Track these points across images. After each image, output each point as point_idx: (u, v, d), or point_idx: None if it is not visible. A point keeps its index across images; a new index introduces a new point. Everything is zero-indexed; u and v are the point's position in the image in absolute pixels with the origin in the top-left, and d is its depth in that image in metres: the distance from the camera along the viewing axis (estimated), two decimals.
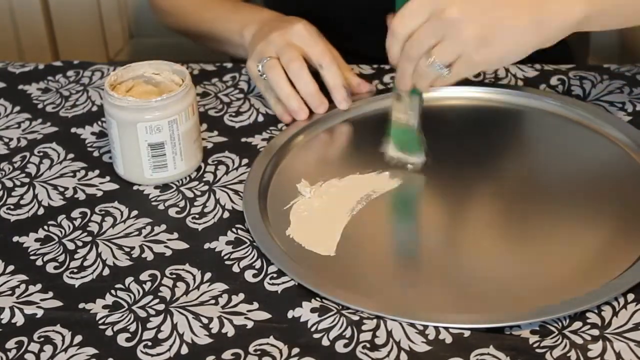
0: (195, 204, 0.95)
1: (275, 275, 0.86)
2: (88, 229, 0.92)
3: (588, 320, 0.79)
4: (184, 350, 0.79)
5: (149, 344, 0.80)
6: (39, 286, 0.86)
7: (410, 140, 0.96)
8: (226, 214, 0.93)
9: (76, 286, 0.86)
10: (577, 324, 0.79)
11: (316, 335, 0.79)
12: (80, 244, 0.90)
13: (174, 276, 0.86)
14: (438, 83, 0.90)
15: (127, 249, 0.90)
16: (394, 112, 0.96)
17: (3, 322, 0.83)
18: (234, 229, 0.91)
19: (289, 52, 1.03)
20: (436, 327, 0.79)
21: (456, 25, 0.85)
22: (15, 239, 0.92)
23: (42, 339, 0.81)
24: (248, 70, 1.07)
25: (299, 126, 1.03)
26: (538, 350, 0.77)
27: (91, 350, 0.80)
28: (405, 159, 0.97)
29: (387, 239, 0.90)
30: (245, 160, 1.00)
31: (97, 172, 0.99)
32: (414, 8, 0.87)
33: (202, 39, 1.21)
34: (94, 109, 1.09)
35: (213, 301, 0.83)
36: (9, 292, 0.86)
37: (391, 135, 0.97)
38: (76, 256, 0.89)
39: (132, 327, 0.81)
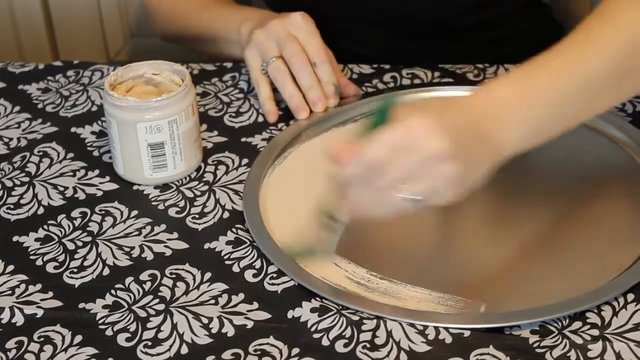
0: (195, 204, 0.95)
1: (275, 275, 0.86)
2: (88, 228, 0.92)
3: (588, 320, 0.79)
4: (184, 350, 0.79)
5: (149, 343, 0.80)
6: (39, 286, 0.86)
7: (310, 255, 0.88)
8: (226, 214, 0.93)
9: (76, 286, 0.86)
10: (577, 324, 0.79)
11: (316, 335, 0.79)
12: (80, 243, 0.90)
13: (174, 276, 0.86)
14: (392, 215, 0.83)
15: (127, 249, 0.89)
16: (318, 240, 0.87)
17: (3, 322, 0.83)
18: (233, 229, 0.91)
19: (292, 45, 1.03)
20: (436, 327, 0.79)
21: (442, 161, 0.78)
22: (15, 238, 0.92)
23: (42, 339, 0.81)
24: (246, 59, 1.07)
25: (299, 126, 1.03)
26: (538, 350, 0.77)
27: (91, 350, 0.80)
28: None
29: (387, 238, 0.90)
30: (245, 160, 1.00)
31: (97, 171, 0.99)
32: (389, 137, 0.79)
33: (199, 41, 1.20)
34: (94, 108, 1.09)
35: (213, 301, 0.83)
36: (9, 292, 0.86)
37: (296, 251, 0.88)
38: (76, 256, 0.89)
39: (132, 327, 0.81)
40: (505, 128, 0.82)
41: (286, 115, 1.06)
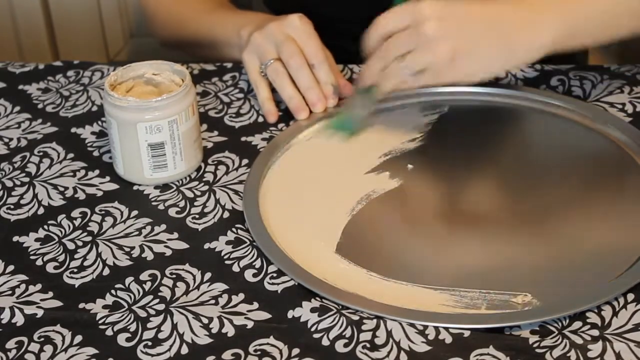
0: (195, 204, 0.95)
1: (275, 275, 0.86)
2: (88, 228, 0.92)
3: (588, 320, 0.79)
4: (184, 350, 0.79)
5: (149, 344, 0.80)
6: (39, 286, 0.86)
7: (347, 123, 1.02)
8: (226, 214, 0.93)
9: (76, 286, 0.86)
10: (577, 324, 0.79)
11: (316, 335, 0.79)
12: (80, 243, 0.90)
13: (174, 276, 0.86)
14: (401, 86, 0.97)
15: (127, 249, 0.90)
16: (345, 106, 1.03)
17: (3, 322, 0.83)
18: (233, 229, 0.91)
19: (289, 47, 1.04)
20: (436, 327, 0.79)
21: (430, 40, 0.92)
22: (15, 238, 0.92)
23: (42, 339, 0.81)
24: (245, 61, 1.07)
25: (299, 126, 1.03)
26: (538, 350, 0.77)
27: (91, 351, 0.80)
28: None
29: (387, 238, 0.90)
30: (245, 161, 1.00)
31: (97, 172, 0.99)
32: (398, 12, 0.95)
33: (199, 46, 1.20)
34: (94, 109, 1.09)
35: (213, 301, 0.83)
36: (9, 292, 0.86)
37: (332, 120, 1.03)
38: (76, 256, 0.89)
39: (132, 327, 0.81)
40: (538, 17, 0.93)
41: (286, 115, 1.06)
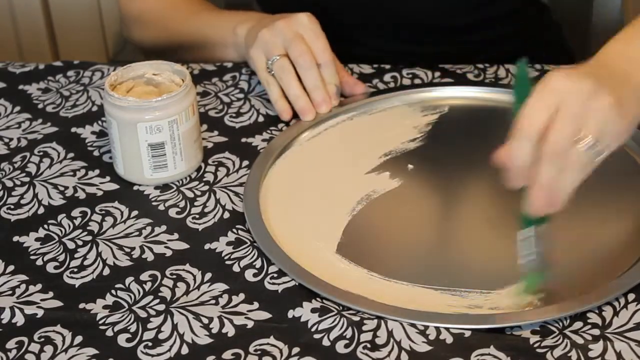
0: (196, 204, 0.95)
1: (275, 275, 0.86)
2: (88, 228, 0.92)
3: (589, 320, 0.79)
4: (184, 350, 0.79)
5: (150, 344, 0.80)
6: (39, 286, 0.86)
7: (537, 281, 0.84)
8: (226, 214, 0.93)
9: (76, 286, 0.86)
10: (577, 324, 0.79)
11: (317, 336, 0.79)
12: (80, 243, 0.90)
13: (174, 276, 0.86)
14: (585, 173, 0.81)
15: (128, 249, 0.89)
16: (521, 258, 0.84)
17: (3, 322, 0.83)
18: (234, 229, 0.91)
19: (299, 46, 1.03)
20: (437, 327, 0.79)
21: (597, 96, 0.79)
22: (15, 238, 0.92)
23: (42, 339, 0.81)
24: (252, 59, 1.07)
25: (299, 126, 1.03)
26: (539, 350, 0.77)
27: (91, 351, 0.79)
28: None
29: (387, 238, 0.90)
30: (245, 162, 1.00)
31: (97, 171, 0.99)
32: (538, 102, 0.80)
33: (188, 48, 1.19)
34: (94, 109, 1.09)
35: (213, 301, 0.83)
36: (9, 292, 0.85)
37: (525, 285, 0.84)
38: (76, 255, 0.89)
39: (133, 328, 0.81)
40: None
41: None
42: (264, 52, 1.05)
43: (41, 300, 0.85)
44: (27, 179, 0.99)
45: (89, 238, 0.91)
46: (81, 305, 0.84)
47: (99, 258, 0.89)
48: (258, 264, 0.87)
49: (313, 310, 0.81)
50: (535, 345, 0.77)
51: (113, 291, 0.85)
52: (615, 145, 0.81)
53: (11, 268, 0.88)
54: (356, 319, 0.80)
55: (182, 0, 1.22)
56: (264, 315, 0.82)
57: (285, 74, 1.04)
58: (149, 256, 0.89)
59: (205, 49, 1.16)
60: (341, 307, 0.82)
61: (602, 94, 0.79)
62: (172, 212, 0.94)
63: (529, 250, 0.83)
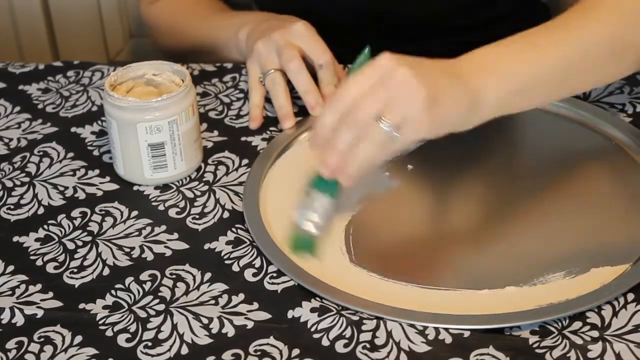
0: (195, 204, 0.95)
1: (275, 275, 0.86)
2: (88, 228, 0.92)
3: (588, 321, 0.79)
4: (184, 350, 0.79)
5: (149, 344, 0.80)
6: (39, 286, 0.86)
7: (306, 246, 0.87)
8: (226, 214, 0.93)
9: (76, 286, 0.86)
10: (577, 324, 0.79)
11: (316, 336, 0.79)
12: (80, 243, 0.90)
13: (174, 276, 0.86)
14: (382, 153, 0.84)
15: (127, 250, 0.89)
16: (299, 210, 0.88)
17: (3, 322, 0.83)
18: (233, 229, 0.91)
19: (289, 52, 1.04)
20: (436, 328, 0.79)
21: (407, 83, 0.83)
22: (15, 238, 0.92)
23: (42, 339, 0.81)
24: (247, 70, 1.08)
25: (299, 127, 1.03)
26: (538, 351, 0.77)
27: (91, 351, 0.80)
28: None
29: (387, 238, 0.90)
30: (245, 161, 1.00)
31: (97, 171, 0.99)
32: (361, 77, 0.84)
33: (201, 52, 1.20)
34: (94, 109, 1.09)
35: (213, 301, 0.83)
36: (9, 292, 0.86)
37: (290, 238, 0.88)
38: (76, 256, 0.89)
39: (132, 328, 0.81)
40: (487, 77, 0.87)
41: None
42: (258, 65, 1.06)
43: (41, 300, 0.85)
44: (27, 179, 0.99)
45: (89, 239, 0.91)
46: (81, 306, 0.84)
47: (98, 258, 0.89)
48: (257, 263, 0.87)
49: (312, 310, 0.82)
50: (535, 345, 0.77)
51: (113, 291, 0.85)
52: (415, 137, 0.85)
53: (11, 268, 0.88)
54: (355, 318, 0.80)
55: (192, 4, 1.23)
56: (264, 315, 0.82)
57: (275, 87, 1.05)
58: (148, 256, 0.89)
59: (214, 52, 1.18)
60: (340, 307, 0.82)
61: (417, 84, 0.83)
62: (172, 212, 0.94)
63: (308, 213, 0.87)
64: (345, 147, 0.84)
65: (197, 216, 0.93)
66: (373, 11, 1.18)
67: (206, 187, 0.97)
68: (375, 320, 0.80)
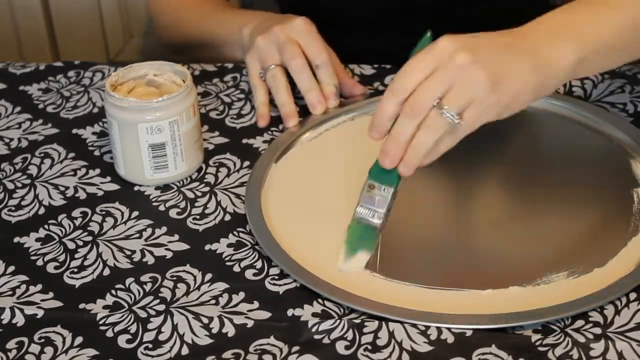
0: (196, 204, 0.94)
1: (276, 276, 0.85)
2: (89, 228, 0.92)
3: (590, 319, 0.79)
4: (185, 350, 0.79)
5: (150, 346, 0.80)
6: (39, 286, 0.86)
7: (365, 241, 0.87)
8: (227, 215, 0.93)
9: (76, 286, 0.86)
10: (579, 322, 0.79)
11: (317, 336, 0.79)
12: (80, 243, 0.90)
13: (175, 277, 0.86)
14: (446, 141, 0.83)
15: (128, 250, 0.89)
16: (360, 204, 0.87)
17: (3, 322, 0.83)
18: (234, 230, 0.91)
19: (291, 49, 1.04)
20: (438, 328, 0.79)
21: (467, 68, 0.81)
22: (16, 239, 0.91)
23: (42, 340, 0.81)
24: (247, 64, 1.07)
25: (300, 127, 1.03)
26: (540, 349, 0.77)
27: (92, 352, 0.79)
28: (350, 268, 0.86)
29: (389, 239, 0.90)
30: (246, 163, 1.00)
31: (97, 171, 0.99)
32: (416, 64, 0.83)
33: (202, 47, 1.20)
34: (95, 110, 1.09)
35: (213, 301, 0.83)
36: (10, 293, 0.85)
37: (348, 234, 0.87)
38: (76, 256, 0.89)
39: (133, 328, 0.81)
40: (562, 41, 0.84)
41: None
42: (258, 60, 1.06)
43: (41, 300, 0.84)
44: (28, 181, 0.99)
45: (90, 239, 0.91)
46: (81, 305, 0.84)
47: (99, 258, 0.89)
48: (259, 265, 0.87)
49: (314, 315, 0.81)
50: (537, 343, 0.77)
51: (113, 291, 0.85)
52: (481, 121, 0.83)
53: (12, 269, 0.88)
54: (357, 321, 0.80)
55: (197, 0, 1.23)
56: (264, 314, 0.82)
57: (276, 83, 1.05)
58: (149, 257, 0.89)
59: (217, 48, 1.18)
60: (342, 312, 0.81)
61: (478, 68, 0.81)
62: (173, 213, 0.94)
63: (369, 207, 0.86)
64: (407, 136, 0.82)
65: (197, 217, 0.93)
66: (375, 1, 1.18)
67: (207, 188, 0.97)
68: (377, 321, 0.80)
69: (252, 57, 1.07)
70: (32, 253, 0.90)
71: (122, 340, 0.80)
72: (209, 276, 0.86)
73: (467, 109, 0.82)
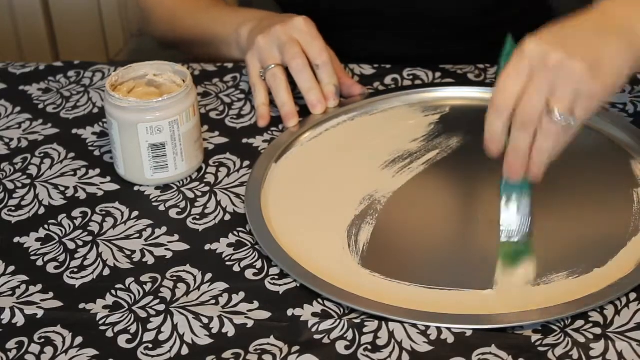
0: (196, 204, 0.94)
1: (276, 276, 0.85)
2: (89, 228, 0.92)
3: (590, 319, 0.79)
4: (185, 350, 0.79)
5: (150, 346, 0.80)
6: (39, 286, 0.86)
7: (520, 254, 0.88)
8: (227, 215, 0.93)
9: (76, 286, 0.86)
10: (579, 322, 0.79)
11: (317, 336, 0.79)
12: (80, 243, 0.90)
13: (175, 277, 0.86)
14: (563, 139, 0.83)
15: (128, 250, 0.89)
16: (504, 221, 0.88)
17: (3, 322, 0.83)
18: (234, 230, 0.91)
19: (292, 49, 1.04)
20: (438, 327, 0.79)
21: (563, 66, 0.81)
22: (16, 239, 0.91)
23: (42, 340, 0.81)
24: (247, 64, 1.07)
25: (300, 127, 1.03)
26: (540, 349, 0.77)
27: (92, 352, 0.79)
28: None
29: (389, 239, 0.90)
30: (246, 162, 1.00)
31: (97, 171, 0.99)
32: (512, 73, 0.82)
33: (195, 44, 1.20)
34: (95, 111, 1.09)
35: (213, 301, 0.83)
36: (10, 293, 0.85)
37: (503, 255, 0.87)
38: (76, 256, 0.89)
39: (133, 328, 0.81)
40: (636, 6, 0.85)
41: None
42: (259, 60, 1.06)
43: (41, 300, 0.84)
44: (28, 181, 0.99)
45: (90, 239, 0.91)
46: (81, 305, 0.84)
47: (99, 259, 0.88)
48: (259, 264, 0.87)
49: (314, 315, 0.81)
50: (537, 343, 0.77)
51: (113, 291, 0.85)
52: (593, 107, 0.83)
53: (11, 269, 0.88)
54: (357, 321, 0.80)
55: None
56: (264, 314, 0.82)
57: (276, 83, 1.05)
58: (149, 257, 0.89)
59: (212, 45, 1.17)
60: (342, 312, 0.81)
61: (573, 62, 0.81)
62: (173, 213, 0.94)
63: (511, 218, 0.87)
64: (526, 148, 0.83)
65: (197, 217, 0.93)
66: (383, 8, 1.17)
67: (207, 188, 0.97)
68: (377, 321, 0.80)
69: (252, 56, 1.07)
70: (32, 253, 0.90)
71: (122, 340, 0.80)
72: (208, 276, 0.86)
73: (576, 105, 0.82)
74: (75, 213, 0.94)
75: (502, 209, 0.88)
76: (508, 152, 0.84)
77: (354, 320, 0.80)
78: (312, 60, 1.04)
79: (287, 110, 1.04)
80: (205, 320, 0.81)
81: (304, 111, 1.06)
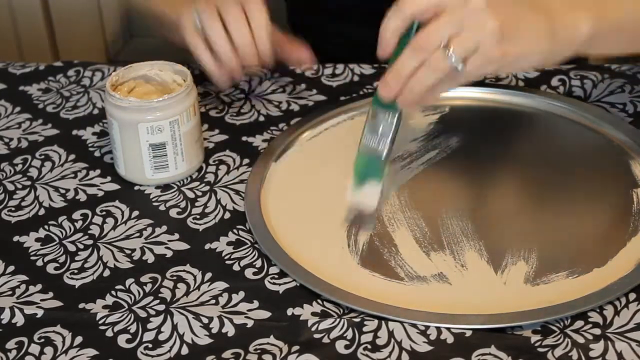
0: (197, 204, 0.95)
1: (276, 276, 0.86)
2: (89, 231, 0.92)
3: (590, 320, 0.79)
4: (184, 350, 0.79)
5: (150, 346, 0.80)
6: (39, 286, 0.86)
7: (372, 170, 0.90)
8: (227, 215, 0.93)
9: (76, 286, 0.86)
10: (578, 323, 0.79)
11: (317, 336, 0.79)
12: (81, 246, 0.90)
13: (175, 277, 0.86)
14: (445, 84, 0.83)
15: (128, 250, 0.89)
16: (365, 134, 0.89)
17: (3, 322, 0.83)
18: (235, 230, 0.91)
19: (228, 2, 0.99)
20: (438, 327, 0.79)
21: (480, 15, 0.81)
22: (15, 239, 0.91)
23: (42, 340, 0.81)
24: (181, 20, 1.01)
25: (299, 126, 1.03)
26: (540, 350, 0.77)
27: (92, 352, 0.79)
28: (359, 205, 0.89)
29: (388, 238, 0.90)
30: (246, 160, 1.00)
31: (98, 171, 0.99)
32: (439, 1, 0.82)
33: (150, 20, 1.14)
34: (95, 111, 1.09)
35: (213, 301, 0.83)
36: (9, 293, 0.85)
37: (355, 164, 0.90)
38: (77, 258, 0.89)
39: (133, 328, 0.81)
40: (584, 11, 0.84)
41: (287, 115, 1.06)
42: (195, 13, 1.00)
43: (41, 300, 0.84)
44: (28, 183, 0.99)
45: (90, 242, 0.91)
46: (81, 305, 0.84)
47: (99, 261, 0.88)
48: (258, 264, 0.87)
49: (313, 314, 0.81)
50: (537, 344, 0.77)
51: (113, 291, 0.85)
52: (481, 72, 0.83)
53: (11, 268, 0.88)
54: (357, 320, 0.80)
55: None
56: (264, 314, 0.82)
57: (209, 22, 0.98)
58: (149, 257, 0.89)
59: (162, 27, 1.11)
60: (342, 311, 0.82)
61: (489, 16, 0.81)
62: (173, 213, 0.94)
63: (374, 134, 0.87)
64: (407, 71, 0.83)
65: (197, 216, 0.93)
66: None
67: (207, 188, 0.97)
68: (376, 321, 0.80)
69: (187, 13, 1.00)
70: (32, 253, 0.90)
71: (122, 340, 0.80)
72: (208, 275, 0.86)
73: (471, 56, 0.81)
74: (76, 215, 0.94)
75: (366, 123, 0.88)
76: (390, 70, 0.84)
77: (354, 320, 0.80)
78: (250, 20, 0.99)
79: (228, 57, 0.98)
80: (205, 320, 0.81)
81: (304, 111, 1.06)
